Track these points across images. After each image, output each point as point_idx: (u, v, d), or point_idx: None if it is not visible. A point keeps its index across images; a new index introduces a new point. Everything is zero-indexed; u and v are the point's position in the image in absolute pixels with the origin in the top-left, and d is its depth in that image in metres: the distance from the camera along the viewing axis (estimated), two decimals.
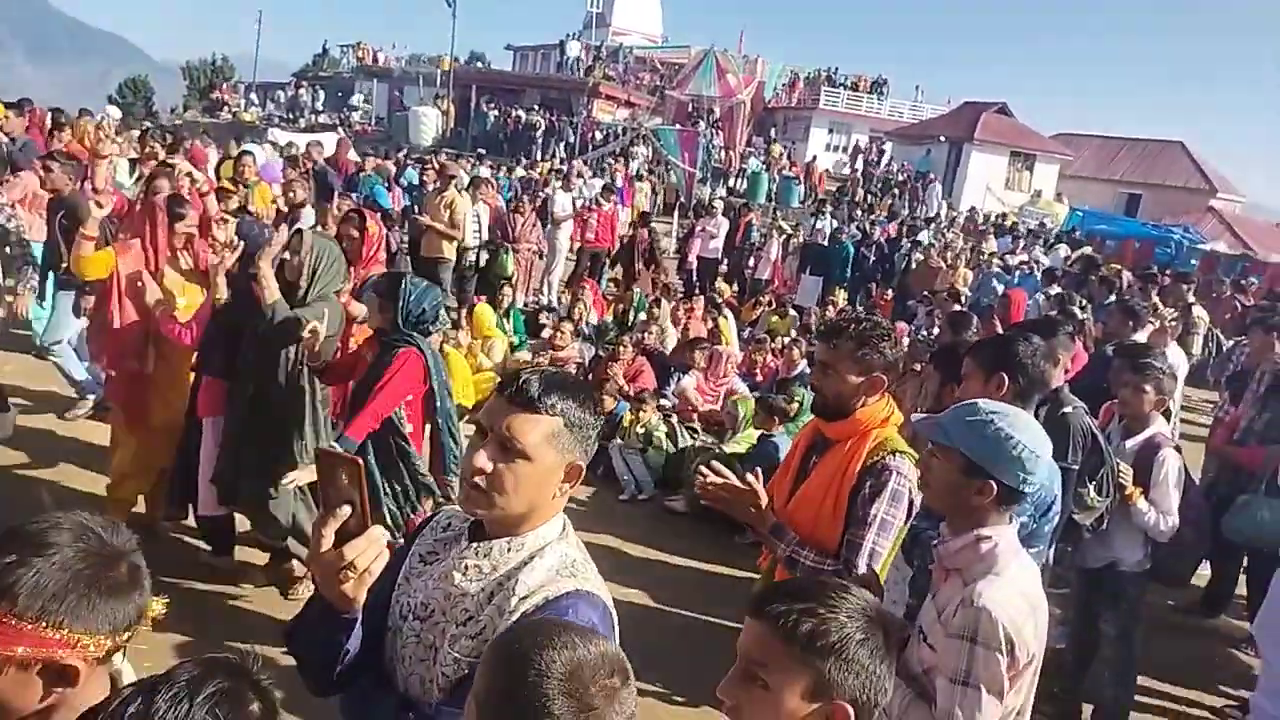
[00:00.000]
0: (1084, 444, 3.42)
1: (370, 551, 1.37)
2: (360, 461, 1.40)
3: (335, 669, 1.51)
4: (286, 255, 3.92)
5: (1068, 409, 3.44)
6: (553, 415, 1.49)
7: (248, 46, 37.40)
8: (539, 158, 23.90)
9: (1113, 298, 8.68)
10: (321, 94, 34.71)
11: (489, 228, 10.82)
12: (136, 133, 9.11)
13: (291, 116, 32.15)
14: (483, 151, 20.63)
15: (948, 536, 2.03)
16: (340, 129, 24.59)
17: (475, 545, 1.55)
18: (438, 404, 3.82)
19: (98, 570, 1.25)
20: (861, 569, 2.32)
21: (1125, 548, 3.77)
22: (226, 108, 33.70)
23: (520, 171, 19.36)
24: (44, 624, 1.19)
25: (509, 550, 1.52)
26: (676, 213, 18.32)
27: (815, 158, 29.13)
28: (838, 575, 2.32)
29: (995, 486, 1.92)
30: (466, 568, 1.52)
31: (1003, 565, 1.93)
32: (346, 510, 1.36)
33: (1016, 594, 1.89)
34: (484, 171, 14.83)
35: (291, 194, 6.80)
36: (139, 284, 4.42)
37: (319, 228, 6.15)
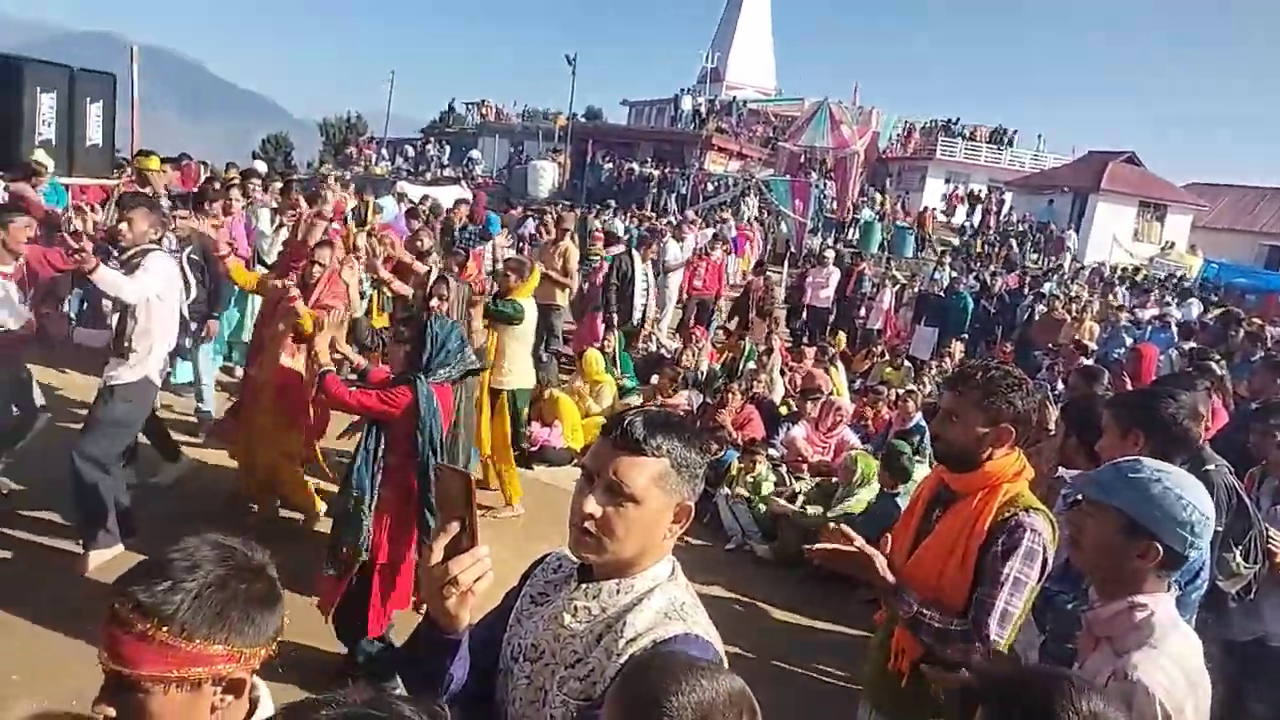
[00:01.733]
0: (1228, 504, 3.20)
1: (474, 570, 1.37)
2: (471, 478, 1.41)
3: (441, 698, 1.50)
4: (436, 300, 4.46)
5: (1209, 467, 3.23)
6: (659, 457, 1.47)
7: (380, 104, 39.56)
8: (651, 209, 24.29)
9: (1260, 354, 8.13)
10: (447, 149, 36.34)
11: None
12: (279, 184, 9.75)
13: (418, 170, 33.73)
14: (612, 203, 21.04)
15: (1097, 602, 1.91)
16: (463, 182, 25.61)
17: (584, 586, 1.54)
18: (424, 440, 3.73)
19: (249, 584, 1.31)
20: (992, 630, 2.21)
21: (1276, 620, 3.49)
22: (359, 161, 35.62)
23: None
24: (211, 642, 1.25)
25: (618, 592, 1.51)
26: (786, 263, 18.25)
27: (928, 208, 28.59)
28: (965, 635, 2.23)
29: (1160, 549, 1.81)
30: (576, 609, 1.52)
31: (1160, 636, 1.79)
32: (456, 526, 1.38)
33: (1176, 669, 1.75)
34: (618, 225, 14.92)
35: (419, 243, 7.14)
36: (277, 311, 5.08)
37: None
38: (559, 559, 1.69)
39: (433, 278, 4.76)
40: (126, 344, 4.49)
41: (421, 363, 3.80)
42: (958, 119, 36.92)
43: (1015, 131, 37.40)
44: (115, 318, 4.63)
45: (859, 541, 2.36)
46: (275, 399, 5.03)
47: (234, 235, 7.25)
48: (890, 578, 2.34)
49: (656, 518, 1.49)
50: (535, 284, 6.58)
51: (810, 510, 6.29)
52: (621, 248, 12.50)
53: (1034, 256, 25.21)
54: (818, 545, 2.39)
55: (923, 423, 7.45)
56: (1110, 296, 15.50)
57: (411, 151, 37.64)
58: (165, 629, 1.22)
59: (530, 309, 6.35)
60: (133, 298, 4.40)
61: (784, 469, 7.06)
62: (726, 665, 1.52)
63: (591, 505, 1.46)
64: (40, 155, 7.24)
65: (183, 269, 6.16)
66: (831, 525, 2.45)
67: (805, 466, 7.26)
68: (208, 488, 5.67)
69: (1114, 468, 1.94)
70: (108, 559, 4.46)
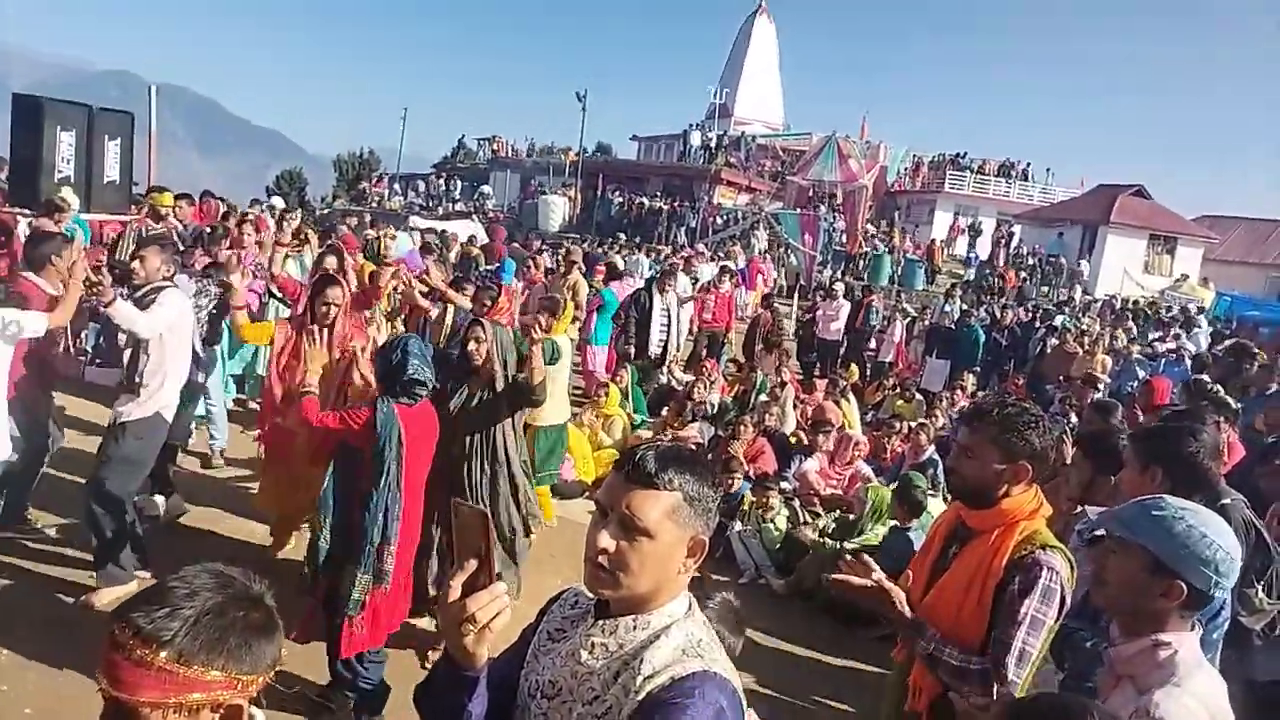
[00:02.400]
0: (1246, 539, 3.16)
1: (492, 606, 1.36)
2: (488, 514, 1.41)
3: None
4: (473, 343, 4.45)
5: (1226, 501, 3.18)
6: (671, 490, 1.46)
7: (393, 140, 40.19)
8: (660, 242, 24.45)
9: (1275, 387, 8.05)
10: (459, 183, 36.70)
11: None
12: (295, 220, 9.89)
13: (431, 205, 34.05)
14: (622, 236, 21.23)
15: (1119, 639, 1.89)
16: (475, 217, 25.85)
17: (601, 623, 1.53)
18: (375, 459, 3.69)
19: (246, 613, 1.31)
20: (1011, 670, 2.18)
21: None
22: (373, 197, 35.97)
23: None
24: (209, 668, 1.25)
25: (634, 628, 1.50)
26: (796, 295, 18.29)
27: (935, 240, 28.69)
28: (983, 675, 2.20)
29: (1184, 588, 1.79)
30: (593, 645, 1.50)
31: (1183, 675, 1.77)
32: (474, 563, 1.37)
33: (1200, 707, 1.73)
34: (643, 263, 14.93)
35: (429, 277, 7.24)
36: (289, 354, 4.92)
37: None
38: (576, 595, 1.68)
39: (449, 314, 4.77)
40: (138, 380, 4.52)
41: (385, 387, 3.80)
42: (965, 153, 37.23)
43: (1029, 164, 37.59)
44: (128, 354, 4.65)
45: (878, 575, 2.34)
46: (309, 445, 5.02)
47: (246, 265, 7.33)
48: (909, 614, 2.32)
49: (670, 552, 1.48)
50: (569, 321, 6.60)
51: (829, 544, 6.25)
52: (627, 282, 12.55)
53: (1043, 289, 25.20)
54: (839, 575, 2.36)
55: (935, 456, 7.41)
56: (1121, 329, 15.44)
57: (424, 186, 38.06)
58: (163, 655, 1.22)
59: (566, 346, 6.43)
60: (146, 332, 4.44)
61: (796, 502, 7.01)
62: (745, 702, 1.51)
63: (605, 540, 1.46)
64: (66, 193, 7.36)
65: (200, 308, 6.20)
66: (850, 558, 2.43)
67: (817, 500, 7.22)
68: (227, 524, 5.68)
69: (1139, 505, 1.92)
70: (120, 594, 4.44)
